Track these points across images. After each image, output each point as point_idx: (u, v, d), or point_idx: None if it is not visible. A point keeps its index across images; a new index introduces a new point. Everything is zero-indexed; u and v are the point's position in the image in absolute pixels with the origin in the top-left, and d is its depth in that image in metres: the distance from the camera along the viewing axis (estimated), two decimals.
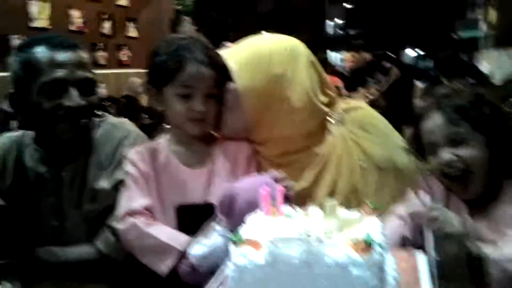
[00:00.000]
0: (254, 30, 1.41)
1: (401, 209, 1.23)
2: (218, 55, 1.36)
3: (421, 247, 1.02)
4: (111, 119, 1.56)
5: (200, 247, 1.17)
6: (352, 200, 1.29)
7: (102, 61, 7.06)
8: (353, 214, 0.84)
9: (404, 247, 1.12)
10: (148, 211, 1.30)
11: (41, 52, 1.35)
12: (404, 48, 11.07)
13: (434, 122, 1.17)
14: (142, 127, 1.73)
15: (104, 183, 1.41)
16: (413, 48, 11.29)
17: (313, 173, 1.36)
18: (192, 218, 1.27)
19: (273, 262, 0.73)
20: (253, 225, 0.86)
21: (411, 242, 1.15)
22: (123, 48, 7.79)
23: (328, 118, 1.40)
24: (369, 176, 1.33)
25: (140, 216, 1.28)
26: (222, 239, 1.14)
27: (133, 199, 1.31)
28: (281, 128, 1.34)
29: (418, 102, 1.32)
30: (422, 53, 11.89)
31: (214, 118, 1.35)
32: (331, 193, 1.32)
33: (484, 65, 5.86)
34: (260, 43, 1.37)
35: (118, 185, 1.38)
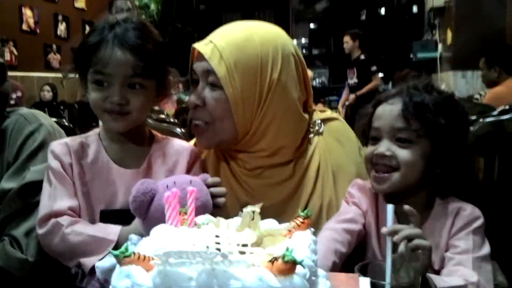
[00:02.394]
0: None
1: (333, 222, 1.12)
2: (151, 40, 1.16)
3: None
4: (23, 110, 1.34)
5: (109, 258, 0.97)
6: (324, 215, 1.20)
7: (55, 64, 6.73)
8: (279, 225, 0.66)
9: (337, 266, 1.00)
10: (74, 212, 1.11)
11: None
12: None
13: (389, 108, 1.07)
14: None
15: (7, 184, 1.18)
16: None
17: (289, 188, 1.23)
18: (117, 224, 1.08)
19: (163, 286, 0.54)
20: (154, 237, 0.67)
21: (344, 257, 1.04)
22: None
23: (309, 128, 1.29)
24: (340, 189, 1.22)
25: (64, 216, 1.09)
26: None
27: (56, 198, 1.11)
28: (273, 139, 1.20)
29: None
30: (381, 75, 12.08)
31: (140, 112, 1.15)
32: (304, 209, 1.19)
33: (441, 87, 5.94)
34: (248, 43, 1.17)
35: (25, 188, 1.17)
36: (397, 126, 1.04)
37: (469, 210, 1.05)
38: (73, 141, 1.19)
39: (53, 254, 1.10)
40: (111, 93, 1.11)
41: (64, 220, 1.08)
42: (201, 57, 1.17)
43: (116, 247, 1.02)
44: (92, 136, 1.22)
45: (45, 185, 1.14)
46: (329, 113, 1.35)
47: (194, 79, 1.21)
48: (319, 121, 1.30)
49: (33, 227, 1.14)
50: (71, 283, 1.14)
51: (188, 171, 1.20)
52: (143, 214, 0.97)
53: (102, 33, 1.13)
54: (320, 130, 1.29)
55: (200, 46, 1.19)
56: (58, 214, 1.09)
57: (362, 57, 5.75)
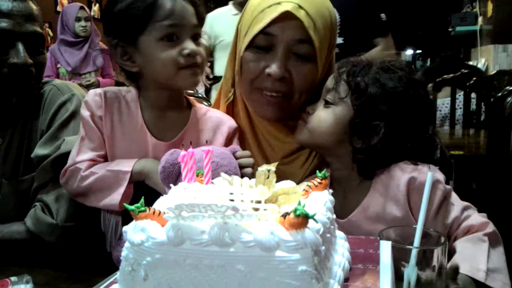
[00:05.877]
0: None
1: None
2: None
3: None
4: (56, 81, 1.38)
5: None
6: None
7: None
8: (291, 183, 0.65)
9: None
10: (97, 163, 1.12)
11: None
12: (403, 49, 10.87)
13: None
14: None
15: (41, 150, 1.23)
16: (412, 48, 11.13)
17: (307, 166, 1.22)
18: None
19: (176, 239, 0.55)
20: (171, 194, 0.68)
21: None
22: None
23: None
24: None
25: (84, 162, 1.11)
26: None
27: (81, 151, 1.11)
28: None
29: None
30: (419, 51, 11.71)
31: (205, 64, 1.11)
32: None
33: (481, 61, 5.69)
34: (326, 12, 1.10)
35: (59, 158, 1.20)
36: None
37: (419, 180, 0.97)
38: (111, 94, 1.14)
39: (76, 196, 1.12)
40: (184, 45, 1.06)
41: (82, 164, 1.10)
42: (291, 23, 1.05)
43: (132, 177, 1.05)
44: (133, 94, 1.15)
45: (78, 136, 1.14)
46: None
47: (261, 46, 1.10)
48: None
49: (63, 193, 1.18)
50: (101, 248, 1.18)
51: (226, 146, 1.16)
52: (170, 183, 0.97)
53: None
54: None
55: (295, 11, 1.04)
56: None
57: None
